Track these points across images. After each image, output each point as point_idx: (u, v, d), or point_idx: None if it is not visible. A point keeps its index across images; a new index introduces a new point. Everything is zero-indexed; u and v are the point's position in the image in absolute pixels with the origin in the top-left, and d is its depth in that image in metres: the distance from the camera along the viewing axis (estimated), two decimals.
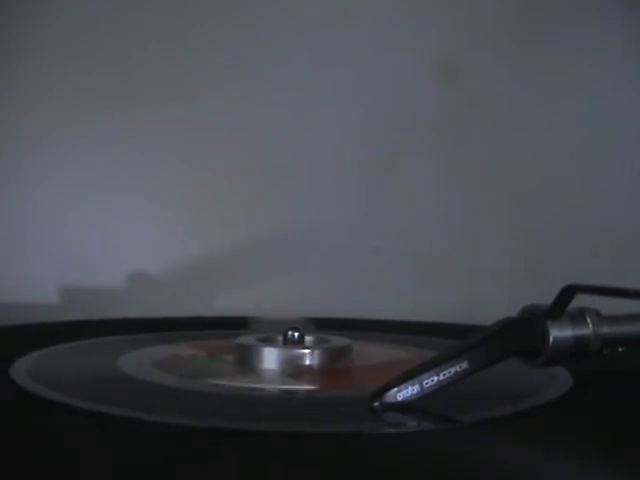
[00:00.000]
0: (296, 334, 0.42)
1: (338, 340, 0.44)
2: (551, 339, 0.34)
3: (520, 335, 0.34)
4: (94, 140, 0.66)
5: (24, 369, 0.39)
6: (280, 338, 0.43)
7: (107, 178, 0.67)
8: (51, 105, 0.66)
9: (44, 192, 0.66)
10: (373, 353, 0.46)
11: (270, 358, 0.41)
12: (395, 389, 0.32)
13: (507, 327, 0.34)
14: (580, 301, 0.35)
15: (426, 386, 0.32)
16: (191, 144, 0.68)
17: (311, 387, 0.39)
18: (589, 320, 0.35)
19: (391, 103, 0.69)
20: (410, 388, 0.32)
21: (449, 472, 0.26)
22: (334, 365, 0.41)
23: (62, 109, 0.66)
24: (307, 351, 0.41)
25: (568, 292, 0.34)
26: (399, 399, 0.32)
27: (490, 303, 0.63)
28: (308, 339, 0.43)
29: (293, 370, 0.40)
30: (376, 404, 0.32)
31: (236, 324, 0.52)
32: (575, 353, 0.34)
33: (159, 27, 0.67)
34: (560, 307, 0.34)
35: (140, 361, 0.42)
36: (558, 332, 0.34)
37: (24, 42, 0.65)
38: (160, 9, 0.67)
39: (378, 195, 0.70)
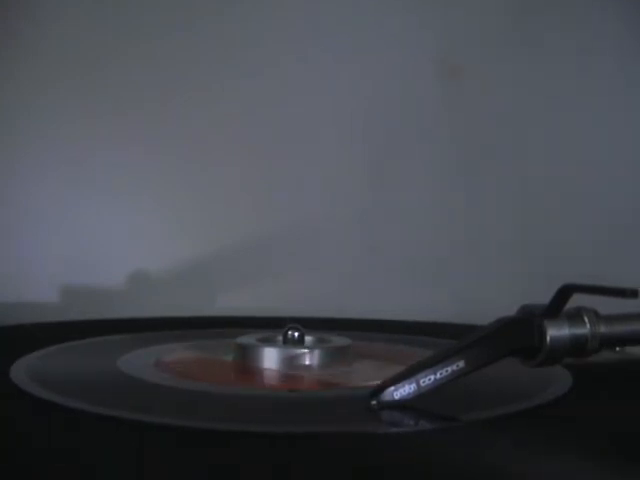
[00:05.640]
0: (296, 334, 0.42)
1: (338, 340, 0.44)
2: (548, 338, 0.34)
3: (517, 334, 0.34)
4: (94, 140, 0.66)
5: (24, 369, 0.39)
6: (280, 338, 0.43)
7: (107, 178, 0.67)
8: (51, 105, 0.66)
9: (44, 192, 0.66)
10: (373, 353, 0.46)
11: (270, 358, 0.41)
12: (392, 388, 0.32)
13: (504, 326, 0.34)
14: (579, 301, 0.35)
15: (423, 385, 0.32)
16: (191, 145, 0.68)
17: (311, 387, 0.39)
18: (586, 319, 0.35)
19: (392, 103, 0.69)
20: (407, 387, 0.32)
21: (447, 471, 0.26)
22: (334, 365, 0.41)
23: (62, 109, 0.66)
24: (307, 351, 0.41)
25: (565, 291, 0.34)
26: (396, 398, 0.32)
27: (490, 303, 0.63)
28: (308, 339, 0.43)
29: (293, 370, 0.40)
30: (373, 403, 0.32)
31: (236, 324, 0.53)
32: (573, 352, 0.34)
33: (159, 27, 0.67)
34: (557, 306, 0.34)
35: (140, 361, 0.42)
36: (555, 331, 0.34)
37: (24, 42, 0.65)
38: (160, 9, 0.67)
39: (378, 195, 0.70)
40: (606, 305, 0.34)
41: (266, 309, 0.58)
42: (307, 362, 0.41)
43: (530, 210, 0.69)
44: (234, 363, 0.42)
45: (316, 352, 0.41)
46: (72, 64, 0.66)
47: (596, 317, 0.35)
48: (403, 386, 0.32)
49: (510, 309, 0.36)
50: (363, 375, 0.41)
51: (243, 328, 0.47)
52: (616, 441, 0.30)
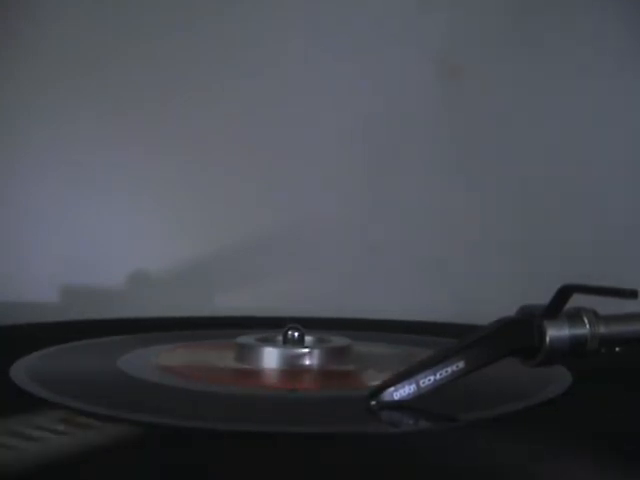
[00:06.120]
0: (296, 334, 0.42)
1: (338, 340, 0.44)
2: (548, 339, 0.34)
3: (517, 334, 0.34)
4: (94, 140, 0.66)
5: (24, 369, 0.39)
6: (280, 338, 0.43)
7: (107, 178, 0.67)
8: (51, 105, 0.66)
9: (44, 192, 0.66)
10: (373, 353, 0.46)
11: (270, 358, 0.41)
12: (392, 388, 0.32)
13: (504, 326, 0.34)
14: (578, 301, 0.35)
15: (423, 385, 0.32)
16: (191, 145, 0.68)
17: (311, 387, 0.39)
18: (586, 320, 0.35)
19: (391, 102, 0.69)
20: (407, 387, 0.32)
21: (447, 472, 0.26)
22: (334, 365, 0.41)
23: (62, 109, 0.66)
24: (307, 351, 0.41)
25: (565, 292, 0.34)
26: (396, 398, 0.32)
27: (490, 303, 0.63)
28: (308, 339, 0.43)
29: (293, 370, 0.40)
30: (373, 403, 0.32)
31: (236, 324, 0.53)
32: (572, 353, 0.34)
33: (159, 27, 0.67)
34: (557, 307, 0.34)
35: (140, 361, 0.42)
36: (555, 332, 0.34)
37: (24, 42, 0.65)
38: (160, 9, 0.67)
39: (378, 195, 0.70)
40: (606, 305, 0.34)
41: (266, 309, 0.58)
42: (307, 362, 0.41)
43: (530, 210, 0.69)
44: (234, 363, 0.42)
45: (316, 352, 0.41)
46: (72, 64, 0.66)
47: (596, 317, 0.35)
48: (403, 386, 0.32)
49: (510, 309, 0.36)
50: (363, 375, 0.41)
51: (243, 328, 0.47)
52: (616, 441, 0.30)
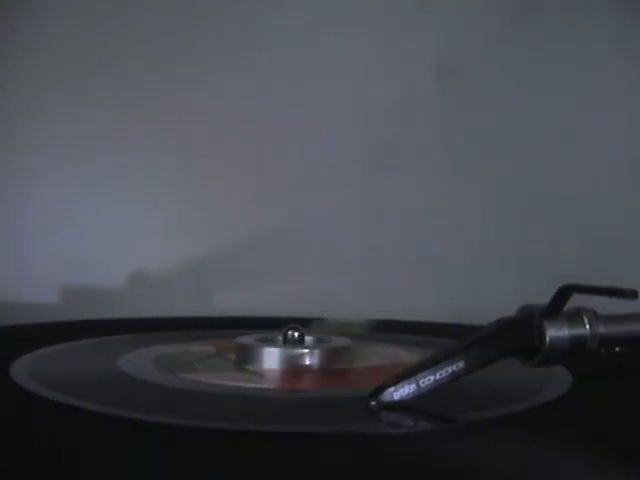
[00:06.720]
0: (296, 334, 0.42)
1: (338, 340, 0.44)
2: (548, 339, 0.34)
3: (517, 335, 0.34)
4: (94, 140, 0.66)
5: (24, 369, 0.39)
6: (280, 338, 0.43)
7: (107, 178, 0.67)
8: (51, 105, 0.66)
9: (44, 192, 0.66)
10: (373, 353, 0.46)
11: (270, 358, 0.41)
12: (392, 388, 0.32)
13: (504, 327, 0.34)
14: (578, 301, 0.35)
15: (422, 385, 0.32)
16: (191, 145, 0.68)
17: (311, 387, 0.39)
18: (586, 320, 0.35)
19: (391, 102, 0.69)
20: (407, 387, 0.32)
21: (446, 472, 0.26)
22: (334, 365, 0.41)
23: (62, 109, 0.66)
24: (307, 351, 0.41)
25: (564, 292, 0.34)
26: (396, 398, 0.32)
27: (490, 303, 0.63)
28: (308, 339, 0.43)
29: (293, 370, 0.40)
30: (373, 403, 0.32)
31: (236, 324, 0.53)
32: (572, 353, 0.34)
33: (159, 27, 0.67)
34: (557, 307, 0.34)
35: (140, 361, 0.42)
36: (555, 332, 0.34)
37: (24, 42, 0.65)
38: (160, 9, 0.67)
39: (378, 195, 0.70)
40: (606, 305, 0.34)
41: (266, 309, 0.58)
42: (307, 362, 0.41)
43: (530, 210, 0.69)
44: (234, 363, 0.42)
45: (316, 352, 0.41)
46: (72, 64, 0.66)
47: (595, 317, 0.35)
48: (403, 386, 0.32)
49: (510, 309, 0.36)
50: (363, 375, 0.41)
51: (243, 328, 0.47)
52: (616, 441, 0.30)
